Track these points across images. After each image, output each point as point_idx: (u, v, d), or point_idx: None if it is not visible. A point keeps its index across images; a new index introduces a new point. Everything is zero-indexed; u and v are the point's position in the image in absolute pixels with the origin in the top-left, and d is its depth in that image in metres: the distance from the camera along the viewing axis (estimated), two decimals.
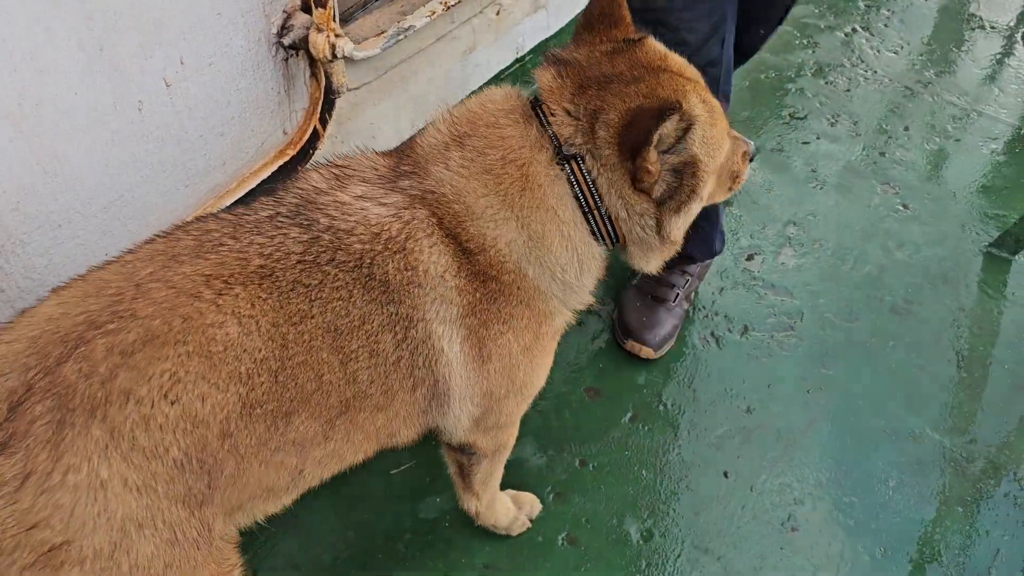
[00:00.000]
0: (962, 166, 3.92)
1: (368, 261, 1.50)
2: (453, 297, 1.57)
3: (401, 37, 2.94)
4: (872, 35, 4.72)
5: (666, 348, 2.94)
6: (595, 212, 1.60)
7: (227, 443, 1.40)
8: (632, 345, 2.88)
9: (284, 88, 2.36)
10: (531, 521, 2.44)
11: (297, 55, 2.34)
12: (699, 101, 1.58)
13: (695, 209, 1.67)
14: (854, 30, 4.74)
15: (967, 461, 2.79)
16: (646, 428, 2.77)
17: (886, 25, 4.81)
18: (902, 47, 4.64)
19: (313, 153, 2.45)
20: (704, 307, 3.14)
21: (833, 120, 4.09)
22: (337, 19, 2.31)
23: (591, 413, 2.80)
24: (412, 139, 1.67)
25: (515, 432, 2.09)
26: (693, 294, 3.09)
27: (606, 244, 1.67)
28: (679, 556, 2.51)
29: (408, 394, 1.63)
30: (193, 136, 2.11)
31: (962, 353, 3.07)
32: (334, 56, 2.24)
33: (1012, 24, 5.02)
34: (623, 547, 2.51)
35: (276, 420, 1.46)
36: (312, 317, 1.46)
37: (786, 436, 2.79)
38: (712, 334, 3.05)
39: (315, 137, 2.43)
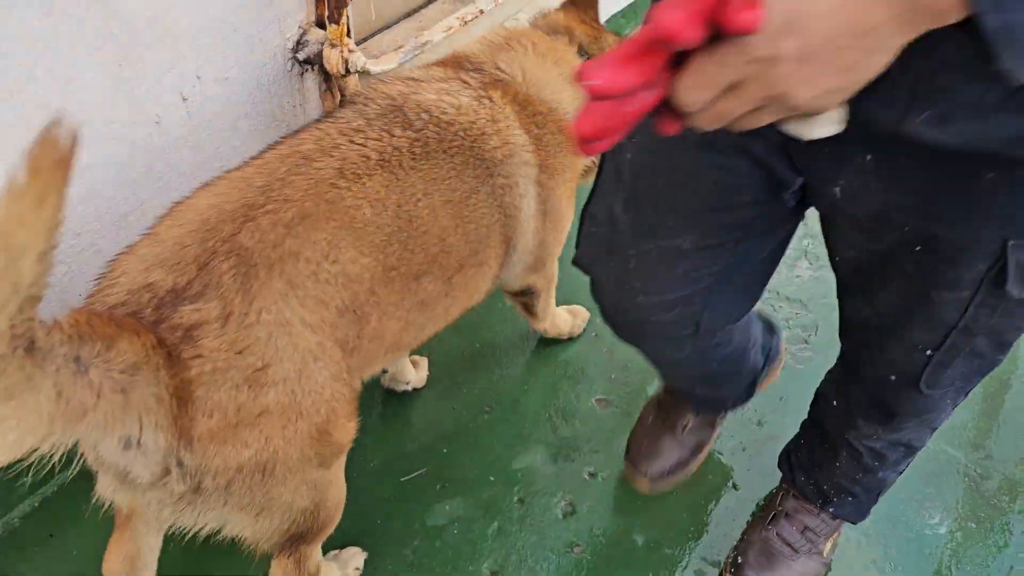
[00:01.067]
0: None
1: (470, 143, 1.89)
2: (531, 159, 1.98)
3: (419, 51, 3.00)
4: None
5: (666, 484, 2.55)
6: None
7: (372, 300, 1.69)
8: (627, 468, 2.61)
9: (299, 102, 2.41)
10: (584, 325, 2.94)
11: (312, 69, 2.40)
12: None
13: None
14: None
15: (982, 477, 2.76)
16: None
17: None
18: None
19: None
20: None
21: None
22: (352, 34, 2.37)
23: (601, 423, 2.82)
24: (453, 54, 2.11)
25: (556, 266, 2.46)
26: (709, 441, 2.66)
27: None
28: (687, 567, 2.51)
29: (498, 247, 2.01)
30: (209, 149, 2.17)
31: None
32: (347, 71, 2.29)
33: None
34: (631, 557, 2.52)
35: (408, 282, 1.77)
36: (431, 195, 1.79)
37: None
38: None
39: None
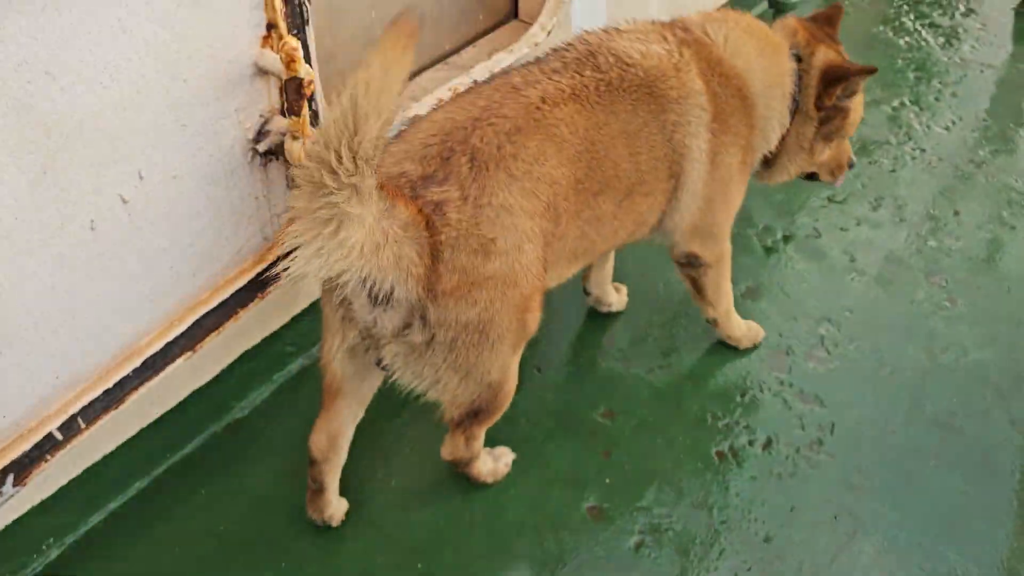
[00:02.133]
0: (1018, 256, 3.60)
1: (649, 83, 2.25)
2: (706, 106, 2.31)
3: (403, 127, 2.83)
4: (922, 109, 4.46)
5: None
6: (792, 97, 2.57)
7: (565, 203, 2.07)
8: None
9: (263, 193, 2.24)
10: (758, 343, 3.13)
11: (277, 159, 2.23)
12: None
13: (825, 152, 2.77)
14: (902, 104, 4.50)
15: None
16: (652, 557, 2.52)
17: (937, 99, 4.56)
18: (954, 123, 4.38)
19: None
20: (723, 415, 2.90)
21: (876, 204, 3.83)
22: (319, 120, 2.20)
23: (592, 536, 2.57)
24: (680, 19, 2.52)
25: (728, 248, 2.74)
26: None
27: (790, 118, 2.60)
28: None
29: (664, 182, 2.35)
30: (156, 250, 2.00)
31: (1015, 478, 2.75)
32: None
33: None
34: None
35: (589, 196, 2.16)
36: (610, 124, 2.16)
37: (808, 569, 2.51)
38: (731, 447, 2.81)
39: None
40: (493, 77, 2.24)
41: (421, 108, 2.85)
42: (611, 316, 3.21)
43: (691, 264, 2.72)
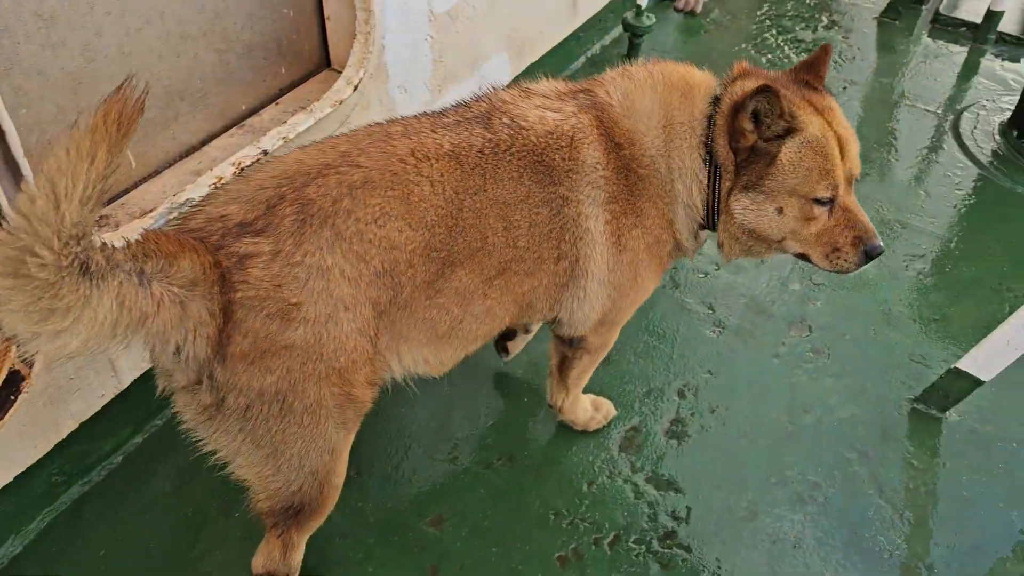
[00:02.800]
0: (884, 294, 3.40)
1: (540, 151, 2.00)
2: (601, 183, 2.04)
3: (174, 212, 2.44)
4: None
5: None
6: (706, 145, 2.11)
7: (409, 271, 1.84)
8: None
9: None
10: (606, 422, 2.82)
11: None
12: (818, 123, 2.05)
13: (763, 211, 2.11)
14: None
15: None
16: None
17: None
18: None
19: (16, 399, 1.91)
20: (568, 511, 2.58)
21: None
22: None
23: None
24: (594, 78, 2.23)
25: (616, 335, 2.47)
26: None
27: (706, 168, 2.13)
28: None
29: (552, 264, 2.09)
30: None
31: (889, 558, 2.51)
32: None
33: (941, 111, 4.57)
34: None
35: (445, 266, 1.90)
36: (486, 191, 1.93)
37: None
38: (575, 549, 2.49)
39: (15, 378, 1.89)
40: (380, 123, 2.02)
41: (197, 191, 2.48)
42: (444, 402, 2.87)
43: (571, 344, 2.45)
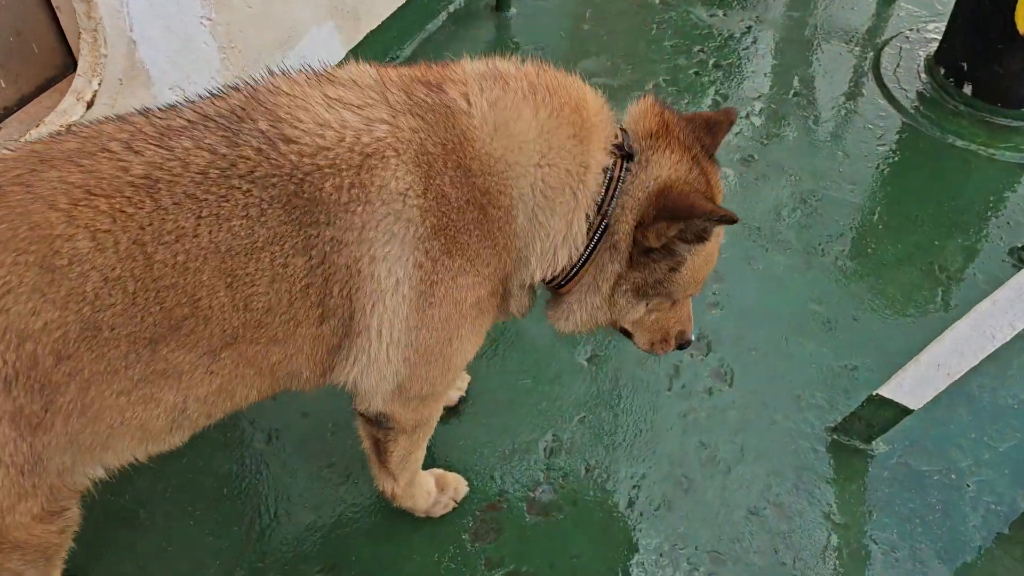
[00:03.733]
0: (797, 289, 2.85)
1: (300, 177, 1.40)
2: (415, 217, 1.47)
3: None
4: (681, 91, 3.63)
5: None
6: (600, 212, 1.63)
7: (65, 366, 1.33)
8: None
9: None
10: (456, 503, 2.26)
11: None
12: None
13: (636, 308, 1.80)
14: (657, 86, 3.65)
15: None
16: None
17: (701, 75, 3.73)
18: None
19: None
20: None
21: None
22: None
23: None
24: (443, 65, 1.62)
25: (439, 408, 1.95)
26: None
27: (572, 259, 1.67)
28: None
29: (313, 327, 1.53)
30: None
31: None
32: None
33: (859, 48, 3.96)
34: None
35: (136, 347, 1.38)
36: (196, 236, 1.36)
37: None
38: None
39: None
40: (84, 125, 1.43)
41: None
42: (239, 496, 2.27)
43: (378, 424, 1.86)
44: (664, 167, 1.62)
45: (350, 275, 1.49)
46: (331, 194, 1.42)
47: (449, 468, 2.32)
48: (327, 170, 1.42)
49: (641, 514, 2.26)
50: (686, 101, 3.59)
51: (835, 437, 2.44)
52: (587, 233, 1.64)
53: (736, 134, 3.43)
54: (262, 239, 1.41)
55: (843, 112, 3.61)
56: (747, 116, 3.55)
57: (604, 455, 2.39)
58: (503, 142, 1.53)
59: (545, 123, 1.55)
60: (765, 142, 3.42)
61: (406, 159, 1.46)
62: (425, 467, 2.20)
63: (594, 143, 1.59)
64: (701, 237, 1.62)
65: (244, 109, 1.44)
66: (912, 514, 2.29)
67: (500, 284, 1.66)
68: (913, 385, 2.20)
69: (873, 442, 2.41)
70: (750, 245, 2.98)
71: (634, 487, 2.32)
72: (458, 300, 1.59)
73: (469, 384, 2.53)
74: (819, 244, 3.01)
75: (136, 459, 1.58)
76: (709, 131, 1.75)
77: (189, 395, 1.49)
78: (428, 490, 2.20)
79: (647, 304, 1.80)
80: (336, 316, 1.54)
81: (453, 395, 2.47)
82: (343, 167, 1.42)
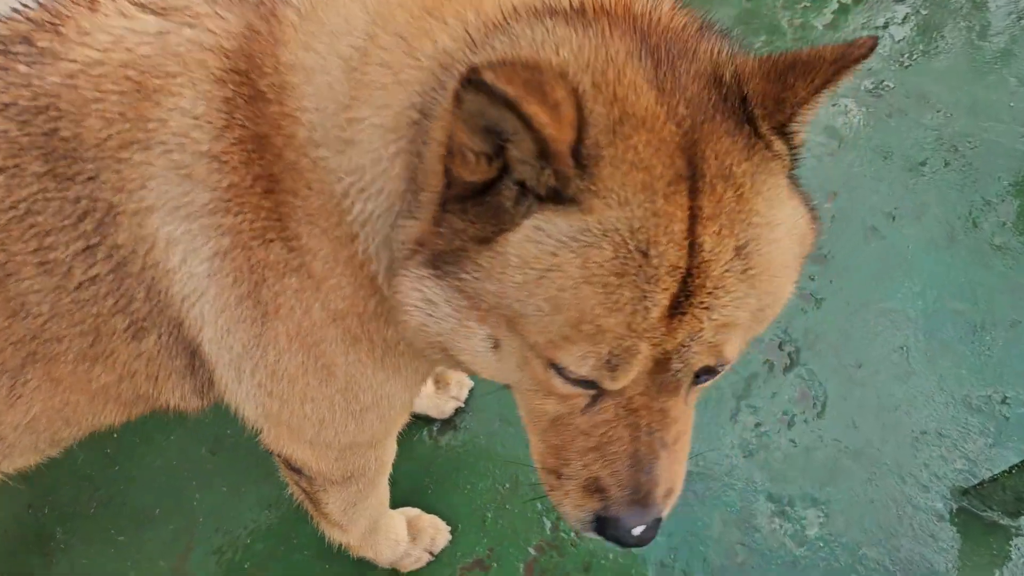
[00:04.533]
0: (931, 278, 2.10)
1: (57, 111, 1.02)
2: (204, 173, 1.01)
3: None
4: None
5: None
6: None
7: None
8: None
9: None
10: (433, 555, 1.76)
11: None
12: (662, 213, 0.84)
13: (451, 319, 0.95)
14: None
15: None
16: None
17: None
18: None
19: None
20: None
21: None
22: None
23: None
24: None
25: (378, 457, 1.42)
26: None
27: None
28: None
29: (127, 342, 1.14)
30: None
31: None
32: None
33: None
34: None
35: None
36: None
37: None
38: None
39: None
40: None
41: None
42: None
43: (296, 471, 1.41)
44: (528, 39, 0.89)
45: (144, 266, 1.07)
46: (97, 133, 1.01)
47: (429, 506, 1.80)
48: (91, 96, 1.01)
49: None
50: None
51: (965, 504, 1.75)
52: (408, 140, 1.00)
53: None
54: (23, 205, 1.02)
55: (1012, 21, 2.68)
56: (884, 25, 2.68)
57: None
58: (309, 45, 1.00)
59: (376, 6, 0.99)
60: (906, 63, 2.56)
61: (200, 79, 1.01)
62: (397, 499, 1.70)
63: (441, 31, 0.95)
64: (542, 193, 0.85)
65: (36, 24, 1.05)
66: None
67: (360, 287, 1.08)
68: None
69: (1022, 517, 1.71)
70: (869, 210, 2.21)
71: (670, 555, 1.73)
72: (298, 310, 1.09)
73: (471, 392, 1.96)
74: (970, 212, 2.21)
75: None
76: (801, 72, 0.93)
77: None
78: (395, 538, 1.71)
79: (469, 321, 0.95)
80: (157, 329, 1.14)
81: (448, 406, 1.93)
82: (111, 91, 1.01)
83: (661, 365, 0.91)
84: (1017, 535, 1.71)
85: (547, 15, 0.89)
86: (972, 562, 1.69)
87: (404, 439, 1.89)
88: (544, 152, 0.79)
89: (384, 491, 1.59)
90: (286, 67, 1.01)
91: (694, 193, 0.85)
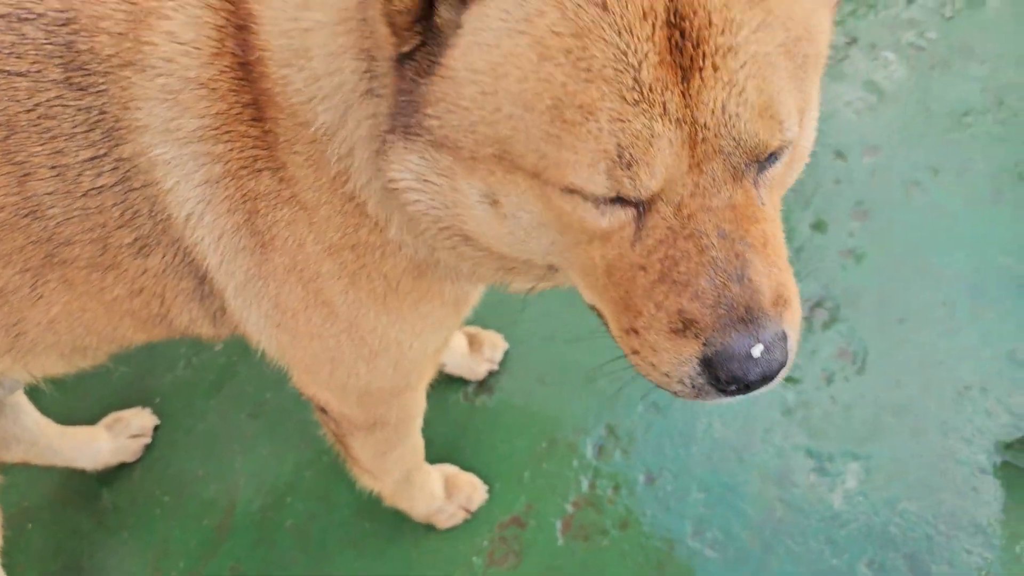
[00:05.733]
0: (977, 234, 2.04)
1: (78, 20, 1.04)
2: (191, 100, 1.03)
3: None
4: None
5: None
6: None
7: None
8: None
9: None
10: (470, 513, 1.76)
11: None
12: None
13: (453, 193, 0.90)
14: None
15: None
16: None
17: None
18: None
19: None
20: None
21: None
22: None
23: None
24: None
25: (404, 408, 1.41)
26: None
27: None
28: None
29: (133, 257, 1.16)
30: None
31: None
32: None
33: None
34: None
35: None
36: None
37: None
38: None
39: None
40: None
41: None
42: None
43: (324, 412, 1.42)
44: None
45: (146, 183, 1.09)
46: (106, 49, 1.05)
47: (466, 466, 1.81)
48: (102, 12, 1.05)
49: (714, 551, 1.67)
50: None
51: (1009, 458, 1.71)
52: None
53: (908, 2, 2.50)
54: (41, 109, 1.06)
55: None
56: None
57: (673, 460, 1.79)
58: None
59: None
60: (948, 14, 2.48)
61: (192, 3, 1.03)
62: (433, 459, 1.71)
63: None
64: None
65: None
66: None
67: (351, 217, 1.07)
68: None
69: None
70: (911, 165, 2.16)
71: (708, 511, 1.72)
72: (293, 244, 1.10)
73: (506, 353, 1.96)
74: (1017, 166, 2.14)
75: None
76: None
77: (22, 317, 1.23)
78: (431, 493, 1.73)
79: (462, 181, 0.89)
80: (162, 248, 1.16)
81: (481, 368, 1.94)
82: (116, 9, 1.05)
83: (705, 148, 0.76)
84: None
85: None
86: (1015, 515, 1.65)
87: (439, 400, 1.91)
88: None
89: (417, 443, 1.60)
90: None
91: None
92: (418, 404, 1.47)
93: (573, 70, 0.73)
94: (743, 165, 0.78)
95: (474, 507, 1.76)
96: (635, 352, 0.88)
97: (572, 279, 0.97)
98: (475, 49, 0.79)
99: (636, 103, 0.73)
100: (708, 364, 0.82)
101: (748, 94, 0.74)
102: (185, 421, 1.99)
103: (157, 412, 2.00)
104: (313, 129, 1.01)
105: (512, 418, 1.88)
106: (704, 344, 0.81)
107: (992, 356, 1.84)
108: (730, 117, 0.74)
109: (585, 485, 1.78)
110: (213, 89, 1.04)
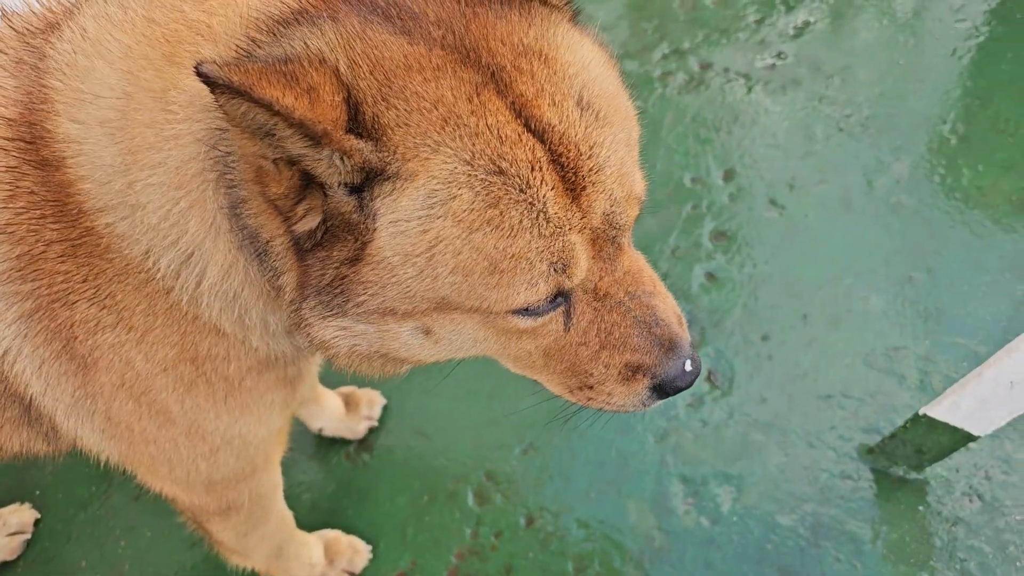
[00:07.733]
0: (831, 244, 2.12)
1: None
2: None
3: None
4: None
5: None
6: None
7: None
8: None
9: None
10: (354, 575, 1.75)
11: None
12: (479, 141, 0.85)
13: (387, 335, 0.97)
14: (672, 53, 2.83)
15: None
16: None
17: None
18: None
19: None
20: None
21: None
22: None
23: None
24: None
25: (256, 488, 1.39)
26: None
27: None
28: None
29: None
30: None
31: None
32: None
33: None
34: None
35: None
36: None
37: None
38: None
39: None
40: None
41: None
42: None
43: (175, 502, 1.41)
44: (279, 51, 0.86)
45: None
46: None
47: (351, 526, 1.81)
48: None
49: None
50: None
51: (872, 462, 1.77)
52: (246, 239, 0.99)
53: (758, 23, 2.60)
54: None
55: None
56: None
57: (552, 499, 1.81)
58: (79, 112, 0.97)
59: (133, 62, 0.94)
60: (796, 34, 2.59)
61: None
62: (318, 522, 1.70)
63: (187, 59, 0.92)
64: (355, 183, 0.85)
65: None
66: (983, 569, 1.62)
67: (195, 335, 1.08)
68: (975, 407, 1.50)
69: (927, 469, 1.73)
70: (767, 183, 2.23)
71: (588, 548, 1.74)
72: (126, 362, 1.08)
73: (384, 408, 1.97)
74: (865, 175, 2.23)
75: None
76: None
77: None
78: (310, 561, 1.71)
79: (398, 327, 0.96)
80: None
81: (361, 426, 1.94)
82: None
83: (600, 241, 0.94)
84: (924, 488, 1.73)
85: (277, 29, 0.88)
86: (883, 519, 1.70)
87: (321, 462, 1.91)
88: (311, 135, 0.78)
89: (281, 517, 1.59)
90: (59, 138, 0.99)
91: (505, 88, 0.86)
92: (271, 481, 1.46)
93: (498, 232, 0.86)
94: (622, 238, 0.97)
95: (358, 570, 1.76)
96: (590, 400, 1.08)
97: (507, 362, 1.10)
98: (401, 237, 0.86)
99: (552, 233, 0.88)
100: (657, 388, 1.04)
101: (616, 193, 0.92)
102: (67, 511, 1.95)
103: (38, 505, 1.96)
104: (149, 272, 1.00)
105: (393, 473, 1.89)
106: (652, 377, 1.03)
107: (850, 363, 1.90)
108: (609, 215, 0.92)
109: (468, 534, 1.79)
110: (11, 233, 1.01)
